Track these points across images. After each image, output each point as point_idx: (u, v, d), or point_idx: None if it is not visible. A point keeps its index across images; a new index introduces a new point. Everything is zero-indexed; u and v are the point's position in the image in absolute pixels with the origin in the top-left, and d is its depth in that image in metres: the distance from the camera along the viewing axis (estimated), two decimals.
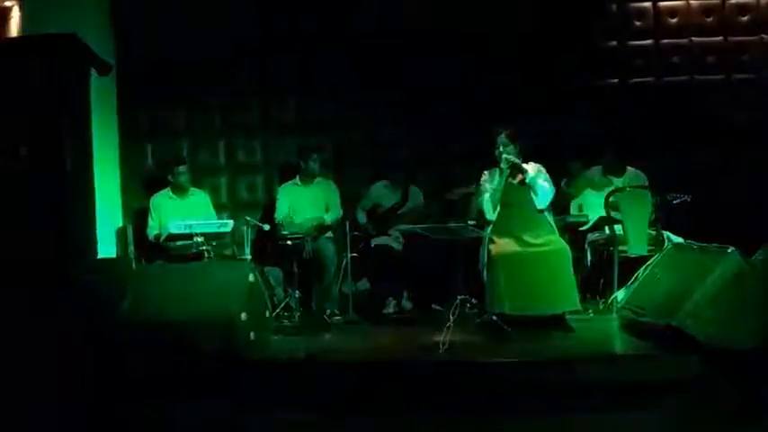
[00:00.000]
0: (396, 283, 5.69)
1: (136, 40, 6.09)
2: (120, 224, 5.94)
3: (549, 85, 6.12)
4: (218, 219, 5.77)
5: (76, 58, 4.23)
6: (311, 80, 6.25)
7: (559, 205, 5.29)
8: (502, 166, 4.69)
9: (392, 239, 5.75)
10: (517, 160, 4.68)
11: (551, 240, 4.65)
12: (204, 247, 5.20)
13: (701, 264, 4.02)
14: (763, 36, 6.28)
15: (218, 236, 5.39)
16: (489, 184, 4.80)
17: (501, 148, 4.73)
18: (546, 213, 4.78)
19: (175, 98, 6.22)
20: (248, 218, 5.35)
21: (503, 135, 4.75)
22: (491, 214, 4.74)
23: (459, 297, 4.53)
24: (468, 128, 6.06)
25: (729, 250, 3.90)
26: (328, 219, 5.70)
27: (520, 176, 4.68)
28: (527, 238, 4.63)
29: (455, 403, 3.71)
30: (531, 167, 4.74)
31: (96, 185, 5.22)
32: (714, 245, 4.11)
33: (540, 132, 5.57)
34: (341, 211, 5.79)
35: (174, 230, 5.28)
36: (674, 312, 3.89)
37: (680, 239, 4.97)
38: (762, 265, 4.02)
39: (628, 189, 5.19)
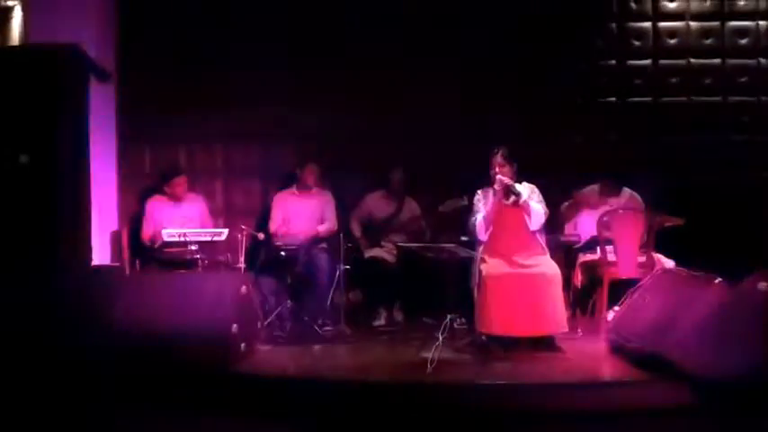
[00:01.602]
0: (387, 294, 5.74)
1: (137, 45, 6.12)
2: (116, 228, 5.97)
3: (549, 102, 6.18)
4: (213, 225, 5.82)
5: (76, 68, 4.26)
6: (308, 90, 6.28)
7: (554, 223, 5.32)
8: (496, 187, 4.71)
9: (385, 251, 5.80)
10: (510, 182, 4.69)
11: (542, 262, 4.68)
12: (198, 255, 5.22)
13: (688, 292, 4.05)
14: (761, 60, 6.33)
15: (212, 244, 5.41)
16: (483, 203, 4.82)
17: (497, 169, 4.75)
18: (538, 234, 4.81)
19: (175, 103, 6.25)
20: (243, 226, 5.38)
21: (499, 155, 4.76)
22: (483, 235, 4.77)
23: (449, 316, 4.55)
24: (466, 143, 6.11)
25: (716, 281, 3.93)
26: (321, 230, 5.73)
27: (513, 198, 4.71)
28: (518, 259, 4.67)
29: (441, 426, 3.74)
30: (524, 189, 4.76)
31: (93, 190, 5.27)
32: (702, 273, 4.14)
33: (537, 150, 5.62)
34: (335, 224, 5.81)
35: (168, 239, 5.30)
36: (659, 340, 3.93)
37: (671, 263, 5.01)
38: (747, 295, 4.05)
39: (621, 211, 5.23)
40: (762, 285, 4.18)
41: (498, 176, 4.70)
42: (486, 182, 4.91)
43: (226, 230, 5.46)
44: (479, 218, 4.77)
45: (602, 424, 3.74)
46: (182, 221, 5.59)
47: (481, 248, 4.79)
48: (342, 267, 5.29)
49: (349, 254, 5.57)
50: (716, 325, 3.84)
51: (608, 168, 5.66)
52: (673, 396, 3.84)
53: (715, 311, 3.86)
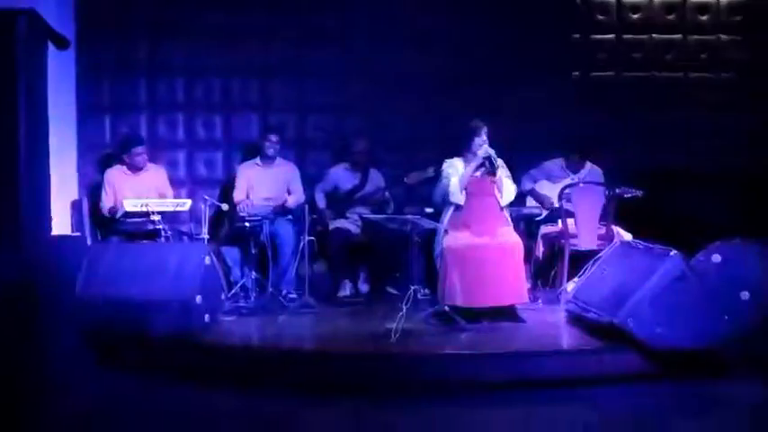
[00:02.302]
0: (352, 265, 5.77)
1: (96, 12, 5.97)
2: (76, 198, 5.87)
3: (515, 77, 6.20)
4: (176, 196, 5.76)
5: (33, 34, 4.14)
6: (276, 61, 6.22)
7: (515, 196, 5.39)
8: (481, 154, 4.75)
9: (350, 223, 5.82)
10: (494, 154, 4.75)
11: (505, 233, 4.76)
12: (161, 226, 5.18)
13: (645, 263, 4.15)
14: (721, 36, 6.44)
15: (174, 214, 5.38)
16: (452, 171, 4.85)
17: (485, 138, 4.80)
18: (503, 208, 4.87)
19: (136, 70, 6.14)
20: (206, 197, 5.34)
21: (485, 128, 4.82)
22: (458, 197, 4.79)
23: (412, 287, 4.61)
24: (432, 115, 6.14)
25: (672, 253, 4.04)
26: (290, 202, 5.73)
27: (490, 171, 4.75)
28: (482, 230, 4.73)
29: (404, 394, 3.81)
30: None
31: (52, 159, 5.17)
32: (658, 246, 4.25)
33: (503, 125, 5.66)
34: (302, 195, 5.81)
35: (130, 209, 5.24)
36: (616, 310, 4.03)
37: (629, 236, 5.13)
38: (702, 268, 4.19)
39: (581, 184, 5.32)
40: (715, 258, 4.34)
41: (486, 146, 4.76)
42: (454, 152, 4.94)
43: (189, 201, 5.43)
44: (455, 180, 4.79)
45: (562, 391, 3.84)
46: (142, 192, 5.52)
47: (445, 220, 4.84)
48: (306, 238, 5.30)
49: (313, 225, 5.58)
50: (670, 296, 3.95)
51: (572, 142, 5.73)
52: (628, 364, 3.97)
53: (669, 283, 3.97)
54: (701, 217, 5.68)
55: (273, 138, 5.73)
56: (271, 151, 5.73)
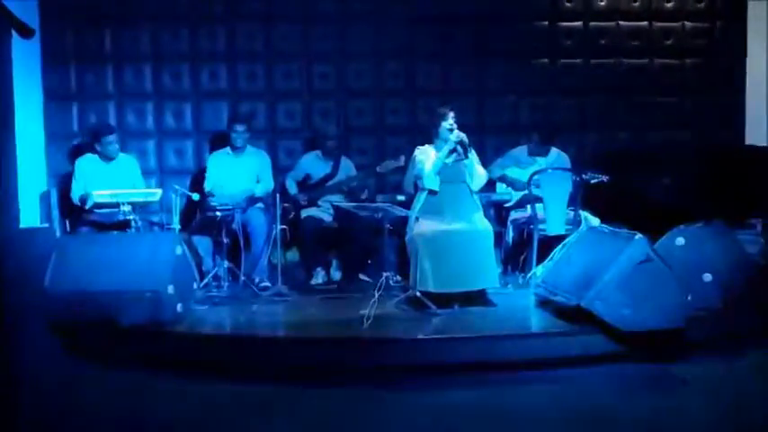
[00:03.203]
0: (325, 253, 5.79)
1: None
2: (45, 189, 5.81)
3: (481, 63, 6.26)
4: (146, 185, 5.73)
5: None
6: (244, 47, 6.20)
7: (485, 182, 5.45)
8: (452, 138, 4.78)
9: (322, 211, 5.83)
10: (466, 139, 4.78)
11: (476, 219, 4.82)
12: (131, 216, 5.15)
13: (611, 247, 4.23)
14: (685, 23, 6.55)
15: (145, 204, 5.34)
16: (424, 157, 4.88)
17: (452, 122, 4.83)
18: (474, 193, 4.93)
19: (102, 58, 6.07)
20: (177, 186, 5.31)
21: (452, 112, 4.85)
22: (433, 182, 4.81)
23: (384, 274, 4.65)
24: (404, 102, 6.16)
25: (637, 237, 4.12)
26: (259, 191, 5.71)
27: (460, 156, 4.79)
28: (453, 217, 4.78)
29: (377, 379, 3.85)
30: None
31: (19, 149, 5.10)
32: (624, 230, 4.34)
33: (468, 111, 5.72)
34: (272, 184, 5.81)
35: (99, 199, 5.19)
36: (583, 293, 4.11)
37: (596, 220, 5.22)
38: (666, 251, 4.28)
39: (549, 170, 5.39)
40: (679, 241, 4.44)
41: (456, 131, 4.79)
42: (424, 140, 4.98)
43: (159, 191, 5.40)
44: (429, 165, 4.81)
45: (532, 372, 3.92)
46: (114, 181, 5.47)
47: (417, 207, 4.88)
48: (278, 227, 5.30)
49: (285, 214, 5.58)
50: (635, 278, 4.04)
51: (537, 128, 5.80)
52: (596, 345, 4.07)
53: (635, 266, 4.05)
54: (667, 201, 5.79)
55: (240, 127, 5.71)
56: (239, 141, 5.71)
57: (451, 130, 4.82)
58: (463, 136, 4.78)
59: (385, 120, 6.33)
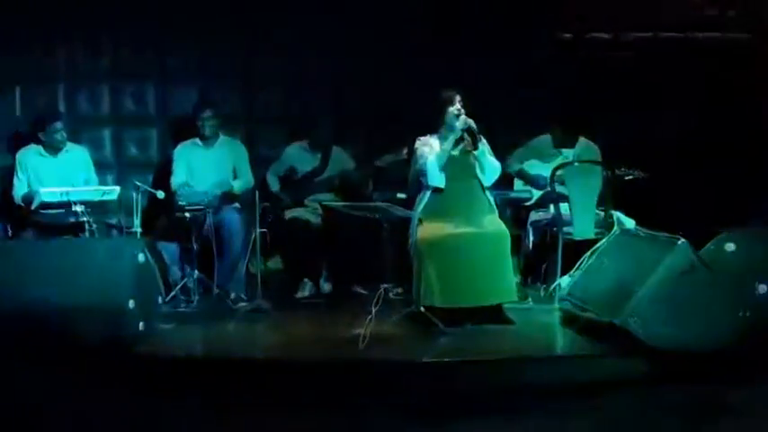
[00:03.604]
0: (312, 261, 5.81)
1: None
2: None
3: (495, 41, 6.27)
4: (101, 182, 5.73)
5: None
6: (219, 23, 6.21)
7: (500, 178, 5.47)
8: (458, 126, 4.78)
9: (309, 211, 5.84)
10: (474, 126, 4.78)
11: (489, 221, 4.82)
12: (85, 218, 5.15)
13: (649, 254, 4.24)
14: None
15: (101, 204, 5.35)
16: (427, 150, 4.89)
17: (459, 107, 4.84)
18: (486, 190, 4.94)
19: (50, 32, 6.05)
20: (138, 182, 5.32)
21: (458, 97, 4.86)
22: (438, 178, 4.82)
23: (383, 286, 4.66)
24: (405, 86, 6.19)
25: (679, 242, 4.12)
26: (236, 187, 5.73)
27: (470, 146, 4.80)
28: (463, 218, 4.79)
29: (374, 409, 3.86)
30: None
31: None
32: (663, 233, 4.35)
33: (485, 97, 5.72)
34: (251, 178, 5.84)
35: (47, 198, 5.19)
36: (617, 309, 4.12)
37: (631, 222, 5.23)
38: (713, 258, 4.28)
39: (576, 163, 5.40)
40: (729, 246, 4.43)
41: (463, 117, 4.79)
42: (429, 129, 4.99)
43: (117, 188, 5.40)
44: (432, 160, 4.82)
45: (556, 401, 3.91)
46: (62, 177, 5.48)
47: (420, 207, 4.88)
48: (258, 230, 5.31)
49: (266, 214, 5.59)
50: (677, 291, 4.05)
51: (562, 115, 5.81)
52: (631, 369, 4.07)
53: (677, 276, 4.06)
54: (713, 200, 5.80)
55: (207, 113, 5.73)
56: (207, 130, 5.72)
57: (458, 116, 4.82)
58: (471, 122, 4.79)
59: (383, 104, 6.34)
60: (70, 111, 6.05)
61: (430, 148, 4.89)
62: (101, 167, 5.92)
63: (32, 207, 5.37)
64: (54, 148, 5.59)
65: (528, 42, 6.34)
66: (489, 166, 4.88)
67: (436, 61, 6.17)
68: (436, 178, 4.83)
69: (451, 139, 4.84)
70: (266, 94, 6.36)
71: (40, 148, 5.60)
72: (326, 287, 5.85)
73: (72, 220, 5.17)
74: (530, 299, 5.22)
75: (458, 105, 4.86)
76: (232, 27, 6.24)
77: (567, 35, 6.45)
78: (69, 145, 5.67)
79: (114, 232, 5.52)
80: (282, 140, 6.19)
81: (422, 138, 4.98)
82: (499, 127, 5.45)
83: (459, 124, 4.81)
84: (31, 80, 6.07)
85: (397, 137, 5.90)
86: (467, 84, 5.16)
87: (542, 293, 5.32)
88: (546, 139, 5.76)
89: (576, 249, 5.04)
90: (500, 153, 5.17)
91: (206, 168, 5.74)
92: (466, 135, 4.83)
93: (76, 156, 5.69)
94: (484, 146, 4.88)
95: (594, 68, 6.39)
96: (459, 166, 4.87)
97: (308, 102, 6.31)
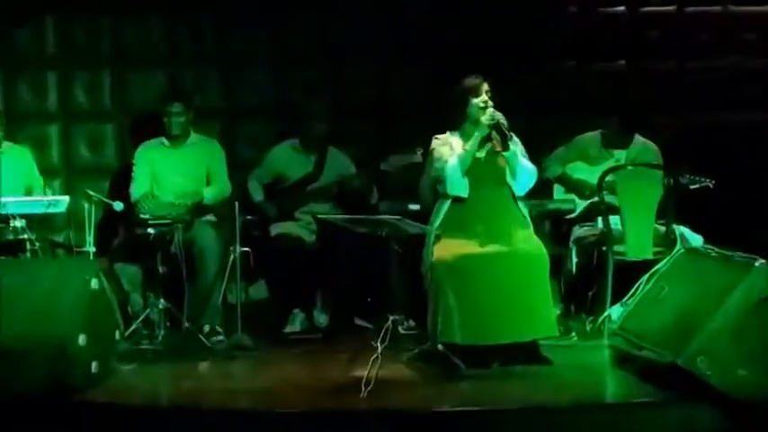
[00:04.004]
0: (305, 288, 5.82)
1: None
2: None
3: (526, 20, 6.33)
4: (46, 190, 5.73)
5: None
6: None
7: (537, 185, 5.48)
8: (484, 121, 4.79)
9: (300, 226, 5.86)
10: (505, 121, 4.78)
11: (523, 238, 4.81)
12: (25, 235, 5.16)
13: (720, 279, 4.22)
14: None
15: (45, 218, 5.37)
16: (446, 151, 4.90)
17: (486, 98, 4.84)
18: (519, 200, 4.95)
19: None
20: (91, 192, 5.35)
21: (485, 83, 4.86)
22: (460, 185, 4.82)
23: (391, 317, 4.65)
24: (419, 73, 6.23)
25: (757, 263, 4.10)
26: (208, 196, 5.76)
27: (499, 146, 4.80)
28: (490, 234, 4.78)
29: None
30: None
31: None
32: (738, 253, 4.32)
33: (515, 84, 5.76)
34: (228, 186, 5.87)
35: None
36: (681, 346, 4.09)
37: (698, 239, 5.23)
38: None
39: (631, 167, 5.39)
40: None
41: (491, 110, 4.79)
42: (449, 125, 4.99)
43: (66, 198, 5.43)
44: (453, 161, 4.82)
45: None
46: None
47: (438, 221, 4.89)
48: (238, 250, 5.32)
49: (248, 230, 5.60)
50: (757, 324, 4.03)
51: (615, 108, 5.81)
52: (698, 421, 4.04)
53: (755, 306, 4.04)
54: None
55: (176, 107, 5.76)
56: (175, 128, 5.76)
57: (484, 109, 4.83)
58: (500, 117, 4.79)
59: (391, 94, 6.34)
60: (9, 103, 6.10)
61: (450, 149, 4.90)
62: (45, 173, 5.95)
63: None
64: None
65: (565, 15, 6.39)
66: (523, 171, 4.88)
67: (455, 35, 6.20)
68: (457, 185, 4.84)
69: (477, 137, 4.84)
70: (247, 81, 6.36)
71: None
72: (322, 319, 5.86)
73: (9, 237, 5.18)
74: (573, 334, 5.23)
75: (484, 96, 4.87)
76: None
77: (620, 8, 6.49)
78: (6, 145, 5.69)
79: (61, 252, 5.55)
80: (268, 139, 6.22)
81: (440, 136, 4.99)
82: (535, 122, 5.48)
83: (485, 119, 4.82)
84: None
85: (409, 134, 5.94)
86: (495, 63, 5.19)
87: (588, 327, 5.30)
88: (593, 137, 5.77)
89: (630, 272, 5.02)
90: (536, 154, 5.17)
91: (174, 174, 5.78)
92: (494, 133, 4.83)
93: (15, 158, 5.70)
94: (516, 145, 4.89)
95: (652, 49, 6.42)
96: (485, 171, 4.88)
97: (299, 91, 6.33)
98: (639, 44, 6.51)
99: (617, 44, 6.51)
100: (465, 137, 4.92)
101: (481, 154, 4.88)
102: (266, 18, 6.31)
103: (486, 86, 4.89)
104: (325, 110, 6.11)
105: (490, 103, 4.86)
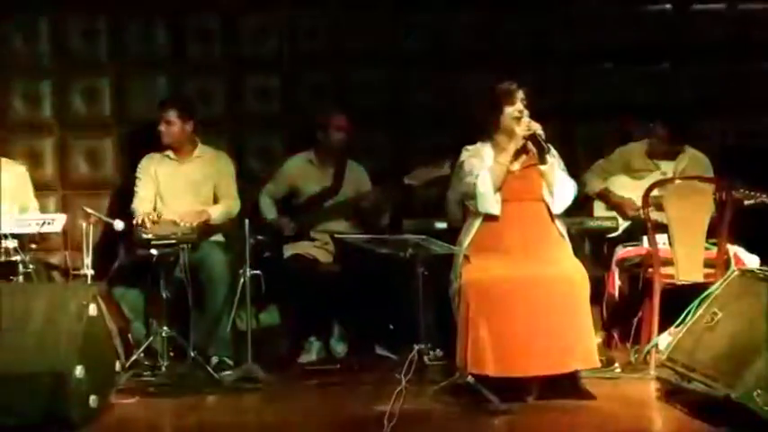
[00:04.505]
0: (322, 314, 5.84)
1: None
2: None
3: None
4: (40, 209, 5.80)
5: None
6: None
7: (576, 201, 5.48)
8: (521, 133, 4.80)
9: (317, 247, 5.88)
10: (541, 132, 4.79)
11: (561, 260, 4.83)
12: (18, 257, 5.21)
13: None
14: None
15: (40, 238, 5.40)
16: (476, 163, 4.92)
17: (522, 107, 4.85)
18: (557, 218, 4.96)
19: None
20: (89, 210, 5.38)
21: (520, 91, 4.87)
22: (492, 202, 4.83)
23: (416, 347, 4.67)
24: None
25: None
26: (217, 213, 5.79)
27: (535, 159, 4.81)
28: (524, 255, 4.80)
29: None
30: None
31: None
32: None
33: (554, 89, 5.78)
34: (238, 202, 5.91)
35: None
36: (736, 379, 4.08)
37: (755, 260, 5.21)
38: None
39: (679, 181, 5.39)
40: None
41: (527, 119, 4.81)
42: (481, 136, 5.00)
43: (62, 216, 5.47)
44: (485, 176, 4.83)
45: None
46: None
47: (467, 241, 4.90)
48: (249, 272, 5.34)
49: (260, 251, 5.62)
50: None
51: (663, 115, 5.80)
52: None
53: None
54: None
55: (171, 115, 5.79)
56: (166, 136, 5.80)
57: (519, 119, 4.84)
58: (537, 127, 4.81)
59: (413, 100, 6.37)
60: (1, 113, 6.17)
61: (481, 161, 4.92)
62: (40, 190, 6.01)
63: None
64: None
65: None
66: (561, 186, 4.89)
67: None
68: (489, 202, 4.85)
69: (511, 149, 4.86)
70: (260, 89, 6.43)
71: None
72: (340, 348, 5.89)
73: (1, 259, 5.21)
74: (616, 365, 5.21)
75: (519, 105, 4.89)
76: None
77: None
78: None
79: (57, 276, 5.58)
80: (279, 151, 6.28)
81: (470, 147, 5.01)
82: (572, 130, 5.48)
83: (520, 130, 4.84)
84: None
85: (436, 145, 5.95)
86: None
87: (633, 357, 5.29)
88: (637, 147, 5.76)
89: (679, 297, 5.01)
90: (575, 168, 5.19)
91: (180, 189, 5.83)
92: (530, 144, 4.84)
93: (10, 174, 5.76)
94: (553, 158, 4.90)
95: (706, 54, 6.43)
96: (520, 186, 4.90)
97: (314, 96, 6.38)
98: (686, 44, 6.51)
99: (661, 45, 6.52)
100: (497, 148, 4.94)
101: (515, 167, 4.90)
102: (274, 20, 6.36)
103: (521, 94, 4.90)
104: (343, 119, 6.11)
105: (526, 112, 4.88)
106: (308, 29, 6.44)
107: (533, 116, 4.87)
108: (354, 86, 6.48)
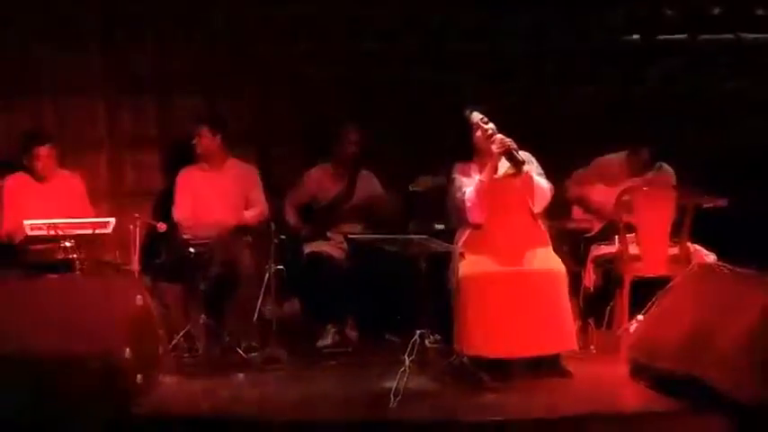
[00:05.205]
0: (336, 304, 5.81)
1: None
2: None
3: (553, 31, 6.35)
4: (95, 212, 5.82)
5: None
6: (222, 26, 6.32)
7: (556, 204, 5.47)
8: (496, 150, 4.77)
9: (332, 246, 5.87)
10: (514, 145, 4.76)
11: (543, 257, 4.83)
12: (75, 255, 5.22)
13: (734, 294, 4.20)
14: None
15: (93, 238, 5.42)
16: (465, 178, 4.92)
17: (487, 128, 4.82)
18: (539, 220, 4.95)
19: (33, 39, 6.15)
20: (137, 214, 5.41)
21: (480, 115, 4.87)
22: (477, 214, 4.84)
23: (419, 332, 4.66)
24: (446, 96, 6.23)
25: None
26: (249, 218, 5.82)
27: (512, 168, 4.79)
28: (512, 253, 4.80)
29: None
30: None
31: None
32: (751, 270, 4.30)
33: (529, 104, 5.74)
34: (266, 207, 5.91)
35: (32, 232, 5.28)
36: (695, 358, 4.09)
37: (711, 257, 5.20)
38: None
39: (646, 188, 5.38)
40: None
41: (498, 136, 4.78)
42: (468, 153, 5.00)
43: (112, 220, 5.47)
44: (469, 192, 4.85)
45: None
46: (50, 208, 5.56)
47: (462, 240, 4.90)
48: (273, 268, 5.35)
49: (283, 249, 5.62)
50: None
51: (643, 135, 5.73)
52: (713, 430, 4.00)
53: (767, 320, 4.01)
54: None
55: (205, 131, 5.80)
56: (200, 148, 5.81)
57: (490, 139, 4.82)
58: (509, 142, 4.77)
59: (421, 113, 6.38)
60: (59, 129, 6.11)
61: (468, 177, 4.93)
62: (94, 197, 6.00)
63: (15, 242, 5.46)
64: (40, 176, 5.69)
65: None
66: (538, 189, 4.87)
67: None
68: (476, 213, 4.86)
69: (490, 166, 4.84)
70: (281, 106, 6.41)
71: (25, 175, 5.71)
72: (353, 334, 5.86)
73: (60, 257, 5.24)
74: (592, 347, 5.21)
75: (485, 127, 4.85)
76: (232, 24, 6.31)
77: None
78: (59, 171, 5.76)
79: (108, 271, 5.58)
80: (299, 161, 6.26)
81: (461, 164, 5.00)
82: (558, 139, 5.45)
83: (495, 148, 4.80)
84: (12, 95, 6.14)
85: (436, 155, 5.94)
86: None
87: (606, 341, 5.26)
88: (616, 158, 5.67)
89: (647, 289, 5.00)
90: (557, 174, 5.17)
91: (213, 197, 5.83)
92: (506, 159, 4.80)
93: (67, 183, 5.79)
94: (530, 164, 4.88)
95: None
96: (504, 193, 4.88)
97: (328, 112, 6.35)
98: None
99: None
100: (480, 164, 4.92)
101: (499, 176, 4.88)
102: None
103: (480, 116, 4.87)
104: (357, 133, 6.08)
105: (493, 129, 4.83)
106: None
107: (500, 129, 4.82)
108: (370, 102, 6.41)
